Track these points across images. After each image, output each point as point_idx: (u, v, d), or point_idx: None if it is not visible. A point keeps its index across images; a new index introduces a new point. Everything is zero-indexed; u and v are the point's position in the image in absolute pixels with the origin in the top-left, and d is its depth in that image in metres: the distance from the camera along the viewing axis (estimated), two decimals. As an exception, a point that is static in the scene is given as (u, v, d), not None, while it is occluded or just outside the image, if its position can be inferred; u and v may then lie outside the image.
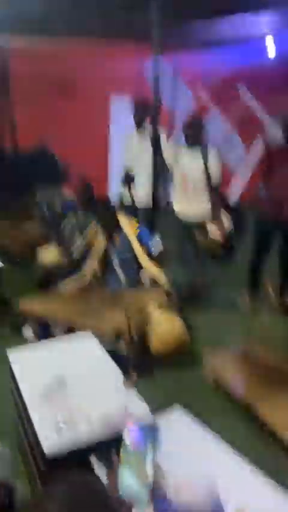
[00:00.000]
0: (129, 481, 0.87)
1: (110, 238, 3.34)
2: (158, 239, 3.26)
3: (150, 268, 3.13)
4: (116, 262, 3.35)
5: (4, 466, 1.90)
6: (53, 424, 1.59)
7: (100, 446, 1.53)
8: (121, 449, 0.90)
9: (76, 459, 1.51)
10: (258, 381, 2.42)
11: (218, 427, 2.32)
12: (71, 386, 1.80)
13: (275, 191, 3.59)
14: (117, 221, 3.25)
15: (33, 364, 1.97)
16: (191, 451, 1.50)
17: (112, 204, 3.53)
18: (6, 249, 4.46)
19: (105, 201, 3.48)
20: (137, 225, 3.32)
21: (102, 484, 0.88)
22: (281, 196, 3.57)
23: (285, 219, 3.60)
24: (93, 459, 1.47)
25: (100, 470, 1.44)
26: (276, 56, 6.39)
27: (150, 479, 0.86)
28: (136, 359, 2.77)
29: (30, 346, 2.17)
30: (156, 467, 0.89)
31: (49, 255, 3.81)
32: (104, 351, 2.10)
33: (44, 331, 3.04)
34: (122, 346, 2.69)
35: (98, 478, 0.87)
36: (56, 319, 2.90)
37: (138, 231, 3.20)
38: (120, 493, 0.87)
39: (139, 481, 0.86)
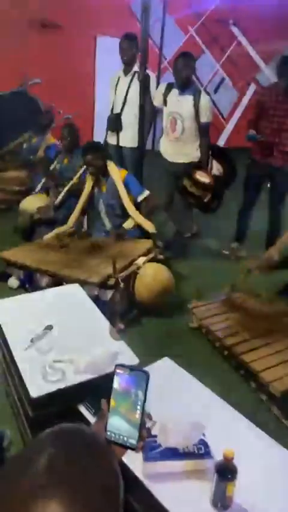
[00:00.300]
0: (119, 425, 0.85)
1: (96, 184, 3.23)
2: (145, 190, 3.17)
3: (136, 216, 3.07)
4: (102, 209, 3.27)
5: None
6: (40, 369, 1.59)
7: (88, 390, 1.55)
8: (111, 394, 0.88)
9: (64, 404, 1.53)
10: (240, 326, 2.45)
11: (204, 373, 2.44)
12: (58, 334, 1.79)
13: (264, 135, 3.49)
14: (105, 166, 3.12)
15: (20, 314, 1.94)
16: (178, 397, 1.53)
17: (99, 146, 3.35)
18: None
19: (92, 144, 3.31)
20: (126, 171, 3.20)
21: (91, 429, 0.86)
22: (269, 140, 3.49)
23: (274, 164, 3.53)
24: (82, 408, 1.48)
25: (89, 417, 1.47)
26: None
27: (140, 422, 0.85)
28: (122, 307, 2.79)
29: (17, 298, 2.13)
30: (145, 412, 0.87)
31: (33, 203, 3.70)
32: (91, 301, 2.07)
33: (30, 281, 3.01)
34: (108, 295, 2.67)
35: (85, 424, 0.85)
36: (40, 270, 2.84)
37: (125, 176, 3.08)
38: (109, 436, 0.85)
39: (129, 424, 0.85)
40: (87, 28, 6.22)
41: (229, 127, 7.96)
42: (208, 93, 3.56)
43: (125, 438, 0.84)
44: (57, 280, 2.82)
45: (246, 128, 3.65)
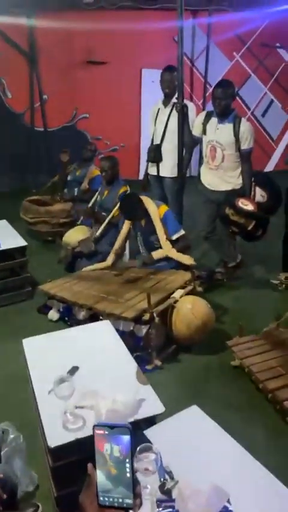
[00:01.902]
0: (110, 487, 0.81)
1: (134, 221, 3.23)
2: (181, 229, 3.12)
3: (171, 253, 3.00)
4: (140, 242, 3.25)
5: (20, 456, 1.90)
6: (61, 415, 1.53)
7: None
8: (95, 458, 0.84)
9: (84, 453, 1.45)
10: (284, 367, 2.25)
11: (245, 418, 2.27)
12: (83, 377, 1.73)
13: None
14: (142, 208, 3.12)
15: (47, 353, 1.91)
16: (204, 453, 1.40)
17: (133, 201, 3.32)
18: (37, 230, 4.48)
19: (129, 201, 3.28)
20: (166, 207, 3.18)
21: None
22: None
23: None
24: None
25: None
26: None
27: (131, 480, 0.81)
28: (159, 343, 2.69)
29: (47, 335, 2.11)
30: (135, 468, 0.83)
31: (75, 235, 3.76)
32: (121, 341, 2.00)
33: (69, 314, 3.02)
34: (144, 330, 2.59)
35: None
36: (77, 304, 2.84)
37: (164, 213, 3.06)
38: (102, 502, 0.80)
39: (120, 484, 0.81)
40: (132, 61, 6.41)
41: (279, 150, 7.73)
42: (249, 120, 3.45)
43: (120, 499, 0.79)
44: (93, 314, 2.80)
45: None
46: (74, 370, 1.78)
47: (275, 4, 5.44)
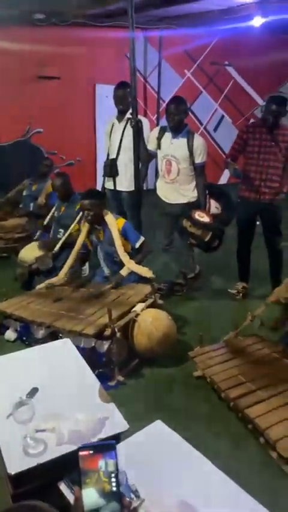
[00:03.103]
0: (98, 504, 0.83)
1: (92, 232, 3.19)
2: (141, 236, 3.13)
3: (131, 265, 3.00)
4: (100, 257, 3.22)
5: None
6: (20, 440, 1.47)
7: (71, 463, 1.42)
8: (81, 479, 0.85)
9: (46, 479, 1.40)
10: (245, 375, 2.29)
11: (208, 428, 2.28)
12: (43, 399, 1.68)
13: (251, 173, 3.46)
14: (102, 214, 3.10)
15: (4, 376, 1.84)
16: (170, 468, 1.39)
17: (99, 193, 3.34)
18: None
19: (92, 190, 3.28)
20: (124, 220, 3.18)
21: (49, 508, 0.84)
22: (256, 177, 3.45)
23: (263, 200, 3.48)
24: (62, 485, 1.35)
25: (69, 496, 1.33)
26: (262, 32, 6.16)
27: (118, 493, 0.84)
28: (121, 358, 2.66)
29: (4, 357, 2.03)
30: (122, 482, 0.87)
31: (31, 252, 3.67)
32: (82, 359, 1.96)
33: (27, 333, 2.93)
34: (105, 346, 2.56)
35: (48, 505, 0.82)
36: (36, 322, 2.76)
37: (122, 226, 3.05)
38: None
39: (108, 499, 0.84)
40: (85, 77, 6.45)
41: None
42: (201, 135, 3.55)
43: None
44: (53, 332, 2.73)
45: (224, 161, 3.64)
46: (33, 392, 1.72)
47: (222, 23, 5.68)
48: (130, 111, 3.60)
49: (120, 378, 2.62)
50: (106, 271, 3.24)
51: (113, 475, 0.84)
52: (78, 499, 0.84)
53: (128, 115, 3.65)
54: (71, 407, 1.60)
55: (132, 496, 1.28)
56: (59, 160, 6.69)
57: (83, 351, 2.30)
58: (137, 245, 3.07)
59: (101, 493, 0.82)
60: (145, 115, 6.85)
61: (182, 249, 3.78)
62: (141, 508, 1.24)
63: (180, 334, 3.05)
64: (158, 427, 1.57)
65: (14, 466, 1.38)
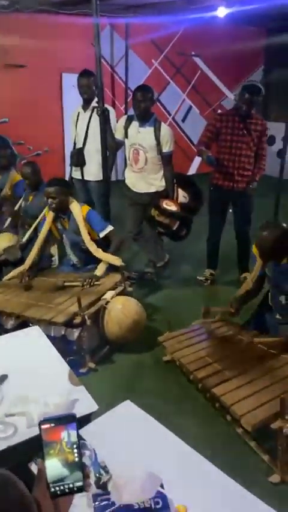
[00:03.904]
0: (60, 474, 0.87)
1: (57, 220, 3.16)
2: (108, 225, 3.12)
3: (98, 254, 3.00)
4: (67, 244, 3.21)
5: None
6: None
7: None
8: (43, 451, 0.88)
9: (16, 461, 1.43)
10: (212, 356, 2.37)
11: (178, 408, 2.36)
12: (13, 384, 1.70)
13: (225, 161, 3.55)
14: (67, 202, 3.07)
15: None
16: (139, 445, 1.44)
17: (63, 181, 3.30)
18: None
19: (57, 178, 3.23)
20: (88, 207, 3.17)
21: (21, 482, 0.84)
22: (229, 165, 3.54)
23: (236, 188, 3.57)
24: (33, 466, 1.38)
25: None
26: (227, 23, 6.23)
27: (80, 462, 0.88)
28: (92, 345, 2.70)
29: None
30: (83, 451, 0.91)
31: (0, 243, 3.62)
32: (51, 345, 1.99)
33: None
34: (76, 334, 2.58)
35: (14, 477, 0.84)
36: (4, 313, 2.75)
37: (86, 213, 3.04)
38: (53, 492, 0.86)
39: (70, 469, 0.87)
40: (51, 66, 6.35)
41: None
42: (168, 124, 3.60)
43: (71, 484, 0.85)
44: (22, 322, 2.73)
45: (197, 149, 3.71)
46: (2, 378, 1.73)
47: (187, 12, 5.70)
48: (96, 99, 3.58)
49: (92, 365, 2.66)
50: (74, 259, 3.23)
51: (75, 445, 0.87)
52: (41, 470, 0.86)
53: (94, 103, 3.63)
54: (41, 392, 1.62)
55: (102, 472, 1.32)
56: (27, 151, 6.59)
57: (53, 340, 2.31)
58: (102, 234, 3.03)
59: (64, 463, 0.85)
60: (113, 105, 6.83)
61: (151, 238, 3.82)
62: (110, 482, 1.29)
63: (150, 321, 3.10)
64: (127, 407, 1.61)
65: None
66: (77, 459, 0.86)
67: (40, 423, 0.87)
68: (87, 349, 2.67)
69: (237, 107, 3.48)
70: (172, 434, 1.49)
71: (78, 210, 3.00)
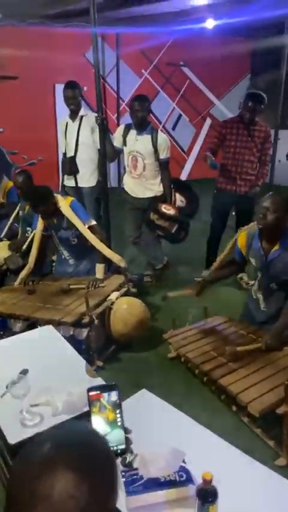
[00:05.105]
0: (105, 434, 1.00)
1: (49, 221, 3.22)
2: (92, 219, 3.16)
3: (103, 249, 3.07)
4: (56, 241, 3.28)
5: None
6: (17, 415, 1.57)
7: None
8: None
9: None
10: (216, 351, 2.48)
11: (185, 401, 2.45)
12: (34, 378, 1.77)
13: (228, 166, 3.71)
14: (56, 207, 3.12)
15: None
16: (158, 427, 1.54)
17: (46, 193, 3.28)
18: None
19: (37, 193, 3.21)
20: (71, 198, 3.20)
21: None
22: (233, 170, 3.70)
23: (239, 191, 3.73)
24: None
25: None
26: (215, 34, 6.44)
27: (123, 424, 1.03)
28: (99, 344, 2.79)
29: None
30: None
31: (0, 253, 3.69)
32: (65, 341, 2.08)
33: (3, 327, 2.97)
34: (84, 333, 2.67)
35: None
36: (13, 315, 2.83)
37: (71, 202, 3.09)
38: None
39: (114, 430, 1.03)
40: (44, 77, 6.49)
41: (190, 160, 8.28)
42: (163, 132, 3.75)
43: (114, 447, 0.93)
44: (31, 324, 2.81)
45: (202, 154, 3.86)
46: (24, 372, 1.81)
47: (177, 24, 5.89)
48: (86, 110, 3.75)
49: (100, 363, 2.75)
50: (65, 254, 3.30)
51: (115, 406, 1.01)
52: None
53: (82, 113, 3.85)
54: (61, 384, 1.72)
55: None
56: (21, 160, 6.69)
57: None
58: (86, 225, 3.06)
59: (106, 420, 0.96)
60: (105, 114, 6.98)
61: (150, 241, 3.94)
62: (135, 460, 1.38)
63: (153, 321, 3.21)
64: (143, 395, 1.71)
65: (14, 437, 1.48)
66: (118, 419, 0.96)
67: (88, 390, 0.98)
68: (95, 348, 2.76)
69: (242, 114, 3.66)
70: (188, 418, 1.59)
71: (63, 202, 3.07)
